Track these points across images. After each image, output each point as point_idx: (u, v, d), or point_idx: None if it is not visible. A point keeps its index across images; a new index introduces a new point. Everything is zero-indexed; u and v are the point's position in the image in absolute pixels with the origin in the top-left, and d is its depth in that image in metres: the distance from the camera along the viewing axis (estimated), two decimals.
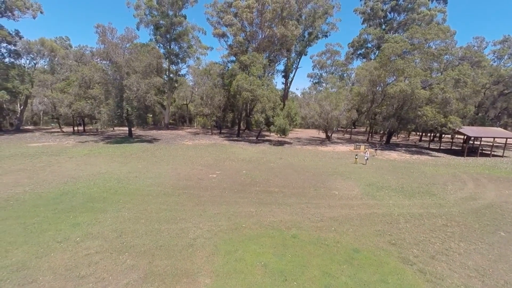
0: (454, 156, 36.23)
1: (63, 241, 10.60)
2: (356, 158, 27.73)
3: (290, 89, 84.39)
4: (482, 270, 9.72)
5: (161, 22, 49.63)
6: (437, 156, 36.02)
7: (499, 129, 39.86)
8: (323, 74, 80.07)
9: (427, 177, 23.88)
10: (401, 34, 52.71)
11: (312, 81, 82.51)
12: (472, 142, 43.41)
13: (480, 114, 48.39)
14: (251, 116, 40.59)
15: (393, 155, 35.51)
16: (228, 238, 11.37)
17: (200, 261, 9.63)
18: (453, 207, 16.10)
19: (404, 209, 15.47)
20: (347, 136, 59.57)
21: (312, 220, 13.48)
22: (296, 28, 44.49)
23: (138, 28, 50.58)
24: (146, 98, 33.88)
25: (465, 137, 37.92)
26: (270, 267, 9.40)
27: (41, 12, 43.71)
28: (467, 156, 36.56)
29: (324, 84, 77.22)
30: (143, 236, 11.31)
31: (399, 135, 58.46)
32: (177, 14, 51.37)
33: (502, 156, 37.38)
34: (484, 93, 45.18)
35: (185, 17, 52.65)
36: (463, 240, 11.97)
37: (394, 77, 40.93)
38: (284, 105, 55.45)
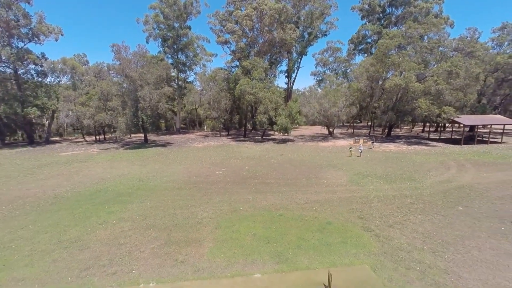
0: (451, 145, 37.58)
1: (103, 223, 14.00)
2: (350, 151, 30.04)
3: (295, 88, 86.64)
4: (427, 234, 12.20)
5: (168, 34, 53.59)
6: (434, 146, 37.51)
7: (497, 116, 40.63)
8: (326, 71, 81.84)
9: (415, 165, 25.92)
10: (400, 28, 53.93)
11: (316, 79, 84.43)
12: (475, 130, 44.42)
13: (482, 102, 48.85)
14: (255, 117, 43.44)
15: (390, 146, 37.38)
16: (228, 218, 14.40)
17: (206, 233, 12.71)
18: (426, 189, 18.36)
19: (381, 192, 17.92)
20: (351, 131, 61.28)
21: (298, 203, 16.28)
22: (293, 31, 47.04)
23: (147, 42, 54.96)
24: (159, 106, 37.65)
25: (462, 125, 39.12)
26: (258, 235, 12.34)
27: (62, 35, 48.66)
28: (464, 144, 37.81)
29: (327, 81, 79.14)
30: (162, 218, 14.54)
31: (402, 127, 59.52)
32: (182, 26, 55.15)
33: (500, 142, 38.33)
34: (484, 81, 45.78)
35: (189, 28, 56.42)
36: (422, 214, 14.38)
37: (391, 71, 42.61)
38: (287, 104, 58.11)
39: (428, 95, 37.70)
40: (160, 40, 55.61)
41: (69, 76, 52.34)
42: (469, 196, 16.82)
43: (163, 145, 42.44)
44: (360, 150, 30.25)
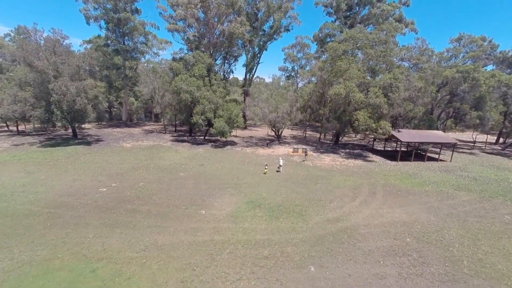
0: (388, 161, 36.21)
1: None
2: (265, 169, 27.80)
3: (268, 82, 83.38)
4: None
5: (108, 17, 48.31)
6: (371, 161, 36.07)
7: (438, 132, 39.56)
8: (295, 67, 79.07)
9: (326, 190, 24.04)
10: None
11: (285, 75, 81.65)
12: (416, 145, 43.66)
13: (433, 115, 47.87)
14: (190, 118, 40.37)
15: (325, 160, 35.52)
16: (25, 273, 11.78)
17: None
18: (302, 233, 16.34)
19: (248, 236, 15.70)
20: (305, 134, 59.40)
21: (135, 250, 13.84)
22: (242, 25, 43.23)
23: (88, 23, 49.37)
24: (76, 101, 33.66)
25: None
26: None
27: None
28: (402, 160, 36.71)
29: (297, 78, 77.03)
30: None
31: (357, 135, 58.22)
32: (127, 8, 49.80)
33: (437, 160, 37.52)
34: (436, 93, 44.52)
35: (137, 11, 51.18)
36: (261, 277, 12.18)
37: (340, 78, 40.27)
38: (245, 100, 55.19)
39: (369, 106, 35.84)
40: (104, 22, 50.25)
41: None
42: (339, 248, 14.96)
43: (88, 143, 38.75)
44: (278, 166, 28.19)
